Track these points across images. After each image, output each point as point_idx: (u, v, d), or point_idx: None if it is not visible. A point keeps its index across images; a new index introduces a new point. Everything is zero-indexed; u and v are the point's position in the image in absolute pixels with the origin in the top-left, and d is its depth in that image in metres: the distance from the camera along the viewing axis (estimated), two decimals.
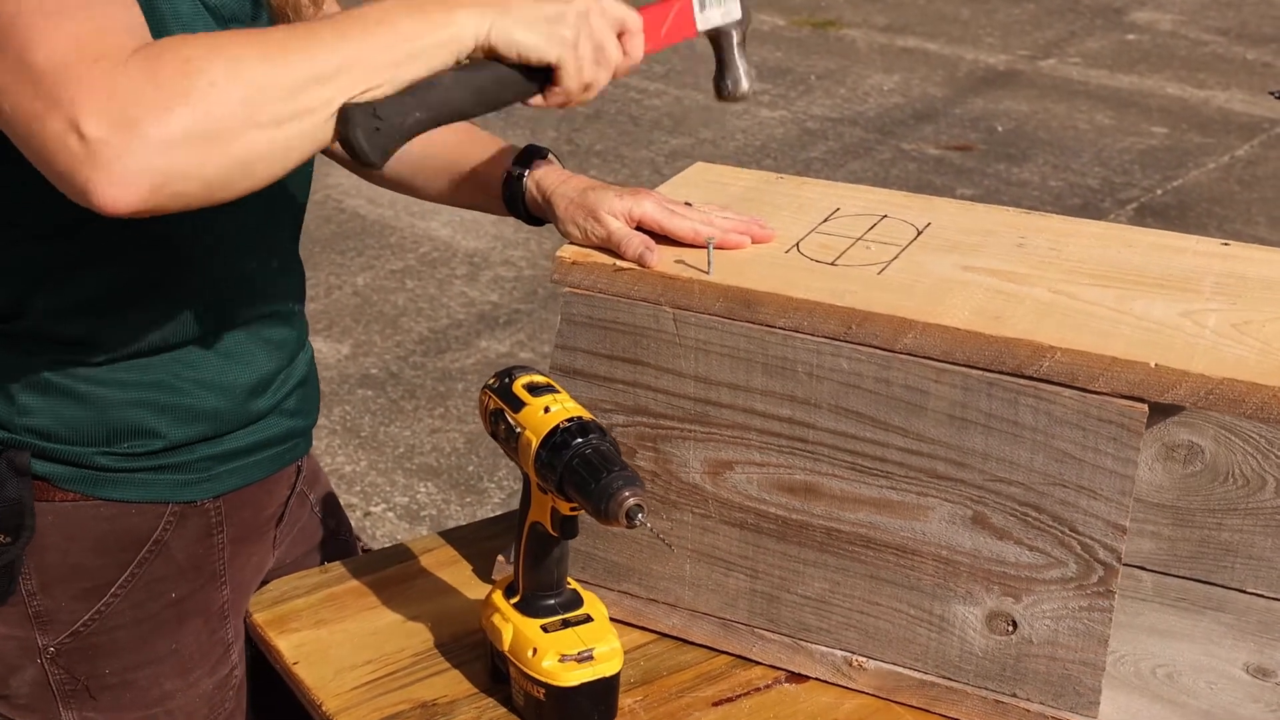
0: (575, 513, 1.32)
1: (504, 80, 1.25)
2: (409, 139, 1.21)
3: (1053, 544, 1.28)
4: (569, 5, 1.26)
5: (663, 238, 1.45)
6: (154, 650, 1.55)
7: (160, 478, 1.51)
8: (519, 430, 1.34)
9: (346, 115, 1.17)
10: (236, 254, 1.48)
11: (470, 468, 3.83)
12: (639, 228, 1.46)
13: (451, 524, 3.58)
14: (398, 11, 1.21)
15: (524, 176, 1.59)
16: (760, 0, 8.30)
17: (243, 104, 1.12)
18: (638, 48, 1.32)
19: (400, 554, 1.64)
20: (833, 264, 1.41)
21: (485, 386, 1.39)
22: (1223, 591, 1.49)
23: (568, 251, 1.45)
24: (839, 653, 1.39)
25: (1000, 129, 6.37)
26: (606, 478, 1.25)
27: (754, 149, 6.08)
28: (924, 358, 1.30)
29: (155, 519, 1.51)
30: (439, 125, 1.24)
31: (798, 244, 1.45)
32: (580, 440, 1.29)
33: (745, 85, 1.40)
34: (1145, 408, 1.24)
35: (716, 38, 1.40)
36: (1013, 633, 1.31)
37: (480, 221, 5.17)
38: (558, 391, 1.36)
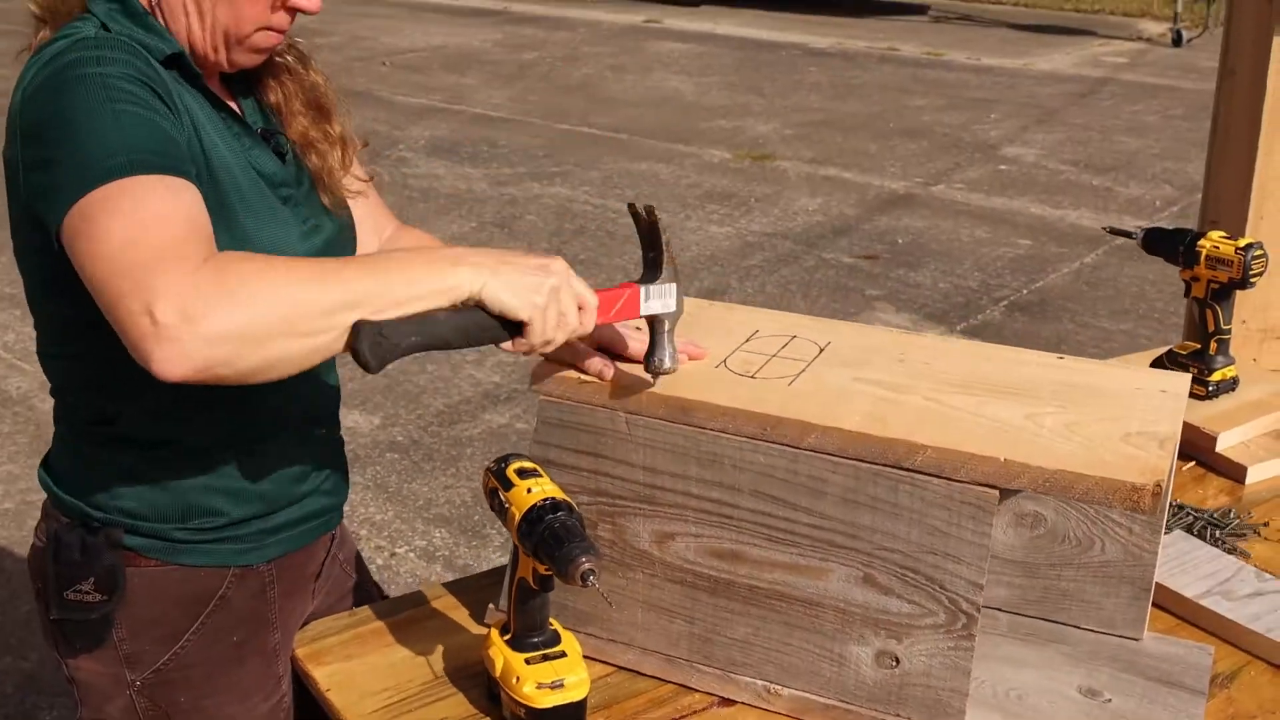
0: (549, 572, 1.34)
1: (484, 326, 1.28)
2: (404, 356, 1.24)
3: (926, 598, 1.29)
4: (545, 279, 1.29)
5: (619, 355, 1.47)
6: (220, 683, 1.56)
7: (223, 547, 1.53)
8: (508, 506, 1.36)
9: (358, 330, 1.21)
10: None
11: (476, 517, 3.82)
12: (600, 348, 1.48)
13: (461, 563, 3.57)
14: (415, 261, 1.27)
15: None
16: (712, 138, 8.36)
17: (282, 318, 1.18)
18: (590, 321, 1.34)
19: (413, 600, 1.64)
20: (752, 377, 1.42)
21: (486, 468, 1.41)
22: (1061, 628, 1.51)
23: (543, 367, 1.47)
24: (760, 682, 1.39)
25: (900, 241, 6.39)
26: (567, 547, 1.27)
27: (705, 258, 6.09)
28: (824, 453, 1.31)
29: (220, 580, 1.53)
30: (429, 350, 1.27)
31: (725, 360, 1.46)
32: (551, 516, 1.31)
33: (668, 364, 1.39)
34: (996, 493, 1.26)
35: (653, 322, 1.41)
36: (896, 667, 1.32)
37: None
38: (540, 476, 1.37)
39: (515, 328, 1.29)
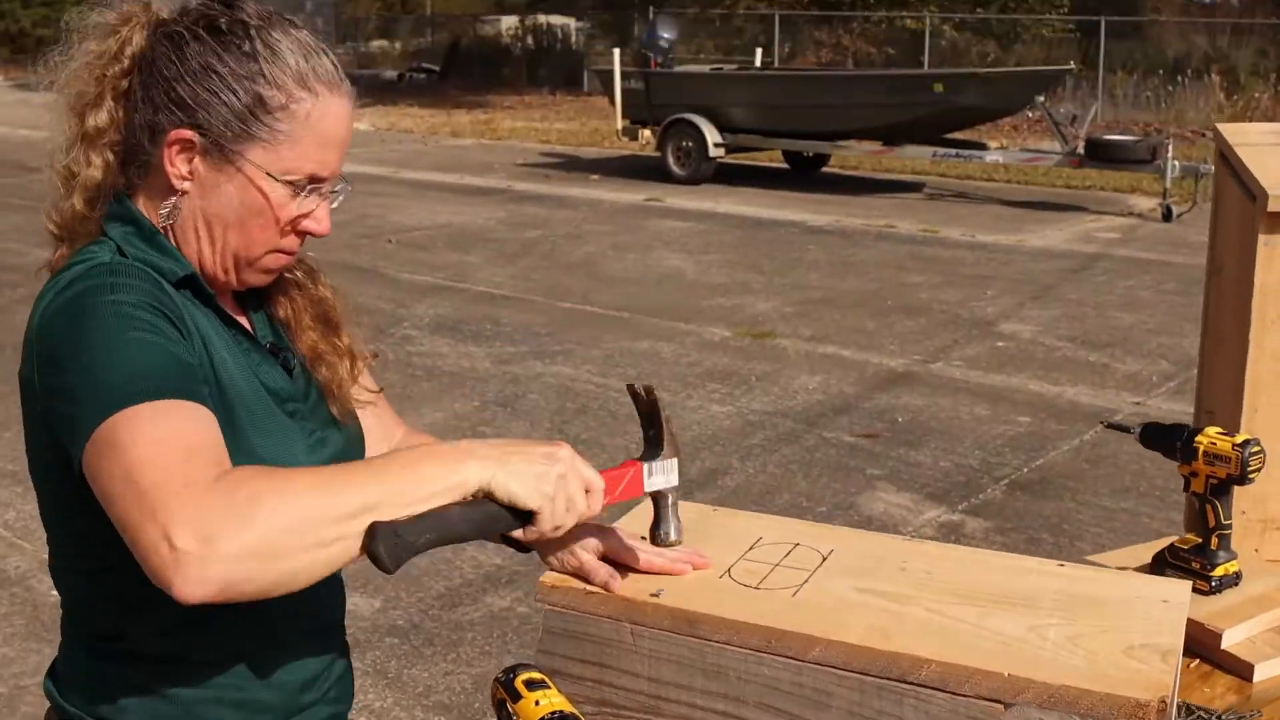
0: None
1: (495, 517, 1.31)
2: (419, 554, 1.26)
3: None
4: (552, 467, 1.31)
5: (624, 566, 1.49)
6: None
7: None
8: (515, 718, 1.36)
9: (374, 532, 1.23)
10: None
11: (476, 705, 3.76)
12: (604, 558, 1.50)
13: None
14: (422, 459, 1.29)
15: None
16: (713, 316, 8.47)
17: (296, 531, 1.21)
18: (598, 503, 1.36)
19: None
20: (756, 587, 1.43)
21: (495, 679, 1.42)
22: None
23: (549, 578, 1.48)
24: None
25: (900, 419, 6.42)
26: None
27: (706, 437, 6.12)
28: (829, 666, 1.32)
29: None
30: (444, 545, 1.29)
31: (729, 570, 1.48)
32: None
33: (674, 536, 1.45)
34: (1001, 707, 1.26)
35: (656, 497, 1.46)
36: None
37: None
38: (549, 688, 1.38)
39: (526, 515, 1.31)
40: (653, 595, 1.41)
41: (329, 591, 1.60)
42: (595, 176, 15.87)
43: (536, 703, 1.36)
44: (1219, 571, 2.07)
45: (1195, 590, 2.01)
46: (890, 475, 5.63)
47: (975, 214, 13.02)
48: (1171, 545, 2.16)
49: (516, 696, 1.38)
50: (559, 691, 1.38)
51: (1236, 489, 2.10)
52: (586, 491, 1.34)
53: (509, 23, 34.36)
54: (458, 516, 1.28)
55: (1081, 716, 1.26)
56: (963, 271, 10.04)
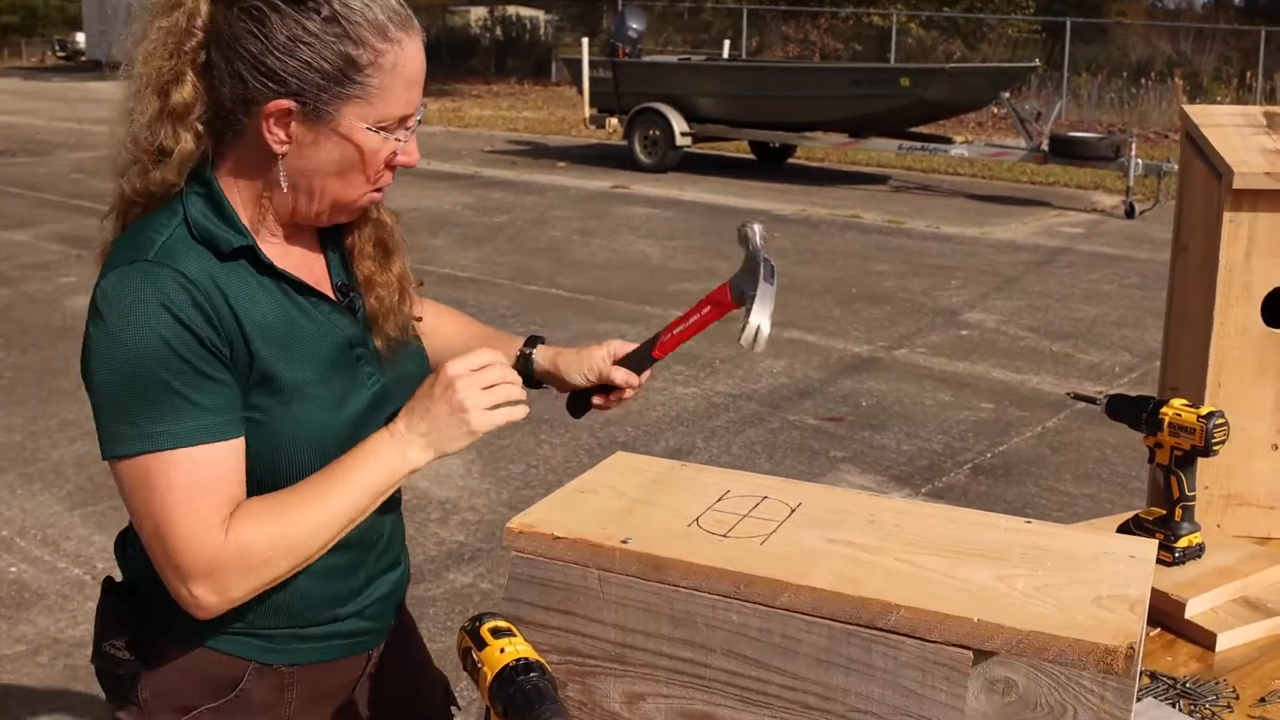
0: None
1: None
2: None
3: None
4: (457, 411, 1.51)
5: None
6: None
7: (249, 642, 1.61)
8: (480, 665, 1.34)
9: None
10: None
11: None
12: (617, 362, 1.85)
13: None
14: (376, 473, 1.51)
15: (531, 355, 1.87)
16: (678, 301, 8.44)
17: (292, 566, 1.49)
18: (499, 375, 1.55)
19: None
20: (724, 536, 1.42)
21: (461, 628, 1.40)
22: None
23: (515, 524, 1.47)
24: None
25: (864, 404, 6.44)
26: (538, 710, 1.25)
27: (670, 418, 6.12)
28: (798, 612, 1.31)
29: (240, 670, 1.61)
30: None
31: (697, 519, 1.46)
32: (523, 678, 1.29)
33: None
34: (970, 654, 1.25)
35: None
36: None
37: (451, 474, 5.17)
38: (514, 635, 1.36)
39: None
40: (622, 542, 1.40)
41: (384, 517, 1.70)
42: (562, 164, 15.84)
43: (502, 650, 1.34)
44: (1183, 543, 2.08)
45: (1159, 561, 2.02)
46: (854, 457, 5.64)
47: (940, 206, 13.07)
48: (1136, 516, 2.16)
49: (482, 644, 1.36)
50: (525, 639, 1.36)
51: (1200, 462, 2.11)
52: (490, 387, 1.52)
53: (479, 13, 34.27)
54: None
55: (1050, 663, 1.26)
56: (927, 262, 10.07)
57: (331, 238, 1.65)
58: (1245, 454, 2.33)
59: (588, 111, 16.60)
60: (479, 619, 1.39)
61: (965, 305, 8.59)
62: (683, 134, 15.04)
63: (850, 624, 1.29)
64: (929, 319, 8.20)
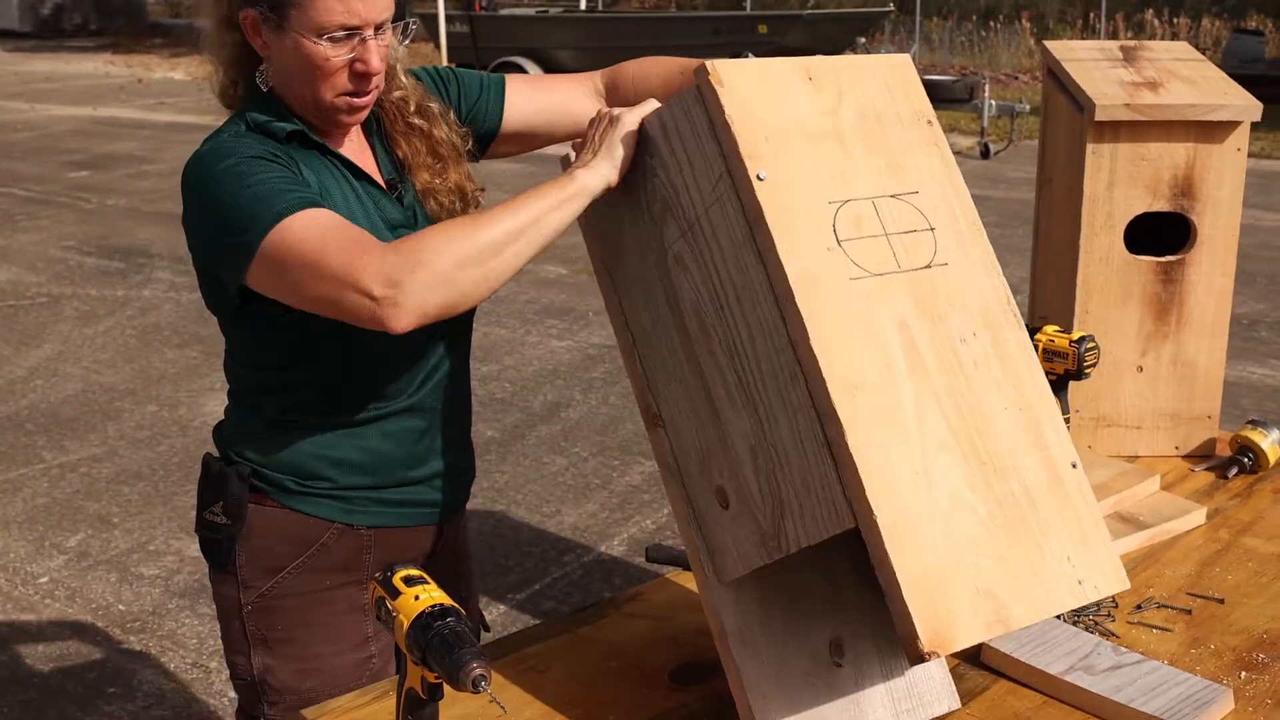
0: (439, 681, 1.33)
1: None
2: None
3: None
4: (606, 150, 1.60)
5: None
6: (311, 617, 1.83)
7: (330, 504, 1.82)
8: (395, 614, 1.36)
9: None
10: (395, 374, 1.81)
11: None
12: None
13: None
14: (548, 191, 1.59)
15: None
16: (548, 255, 8.42)
17: (455, 263, 1.53)
18: (629, 118, 1.61)
19: None
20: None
21: (373, 578, 1.41)
22: None
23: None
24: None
25: None
26: (457, 653, 1.28)
27: (548, 372, 6.12)
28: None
29: (322, 530, 1.82)
30: None
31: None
32: (440, 623, 1.32)
33: None
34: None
35: None
36: None
37: None
38: (427, 583, 1.38)
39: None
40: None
41: (451, 395, 1.89)
42: None
43: (416, 597, 1.35)
44: None
45: None
46: None
47: None
48: None
49: (396, 593, 1.37)
50: (439, 588, 1.38)
51: (1071, 386, 2.20)
52: (617, 124, 1.60)
53: None
54: None
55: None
56: None
57: (379, 143, 1.84)
58: (1112, 377, 2.44)
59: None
60: (390, 568, 1.41)
61: None
62: None
63: None
64: None
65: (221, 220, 1.62)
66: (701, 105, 1.44)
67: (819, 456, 1.33)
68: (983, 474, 1.37)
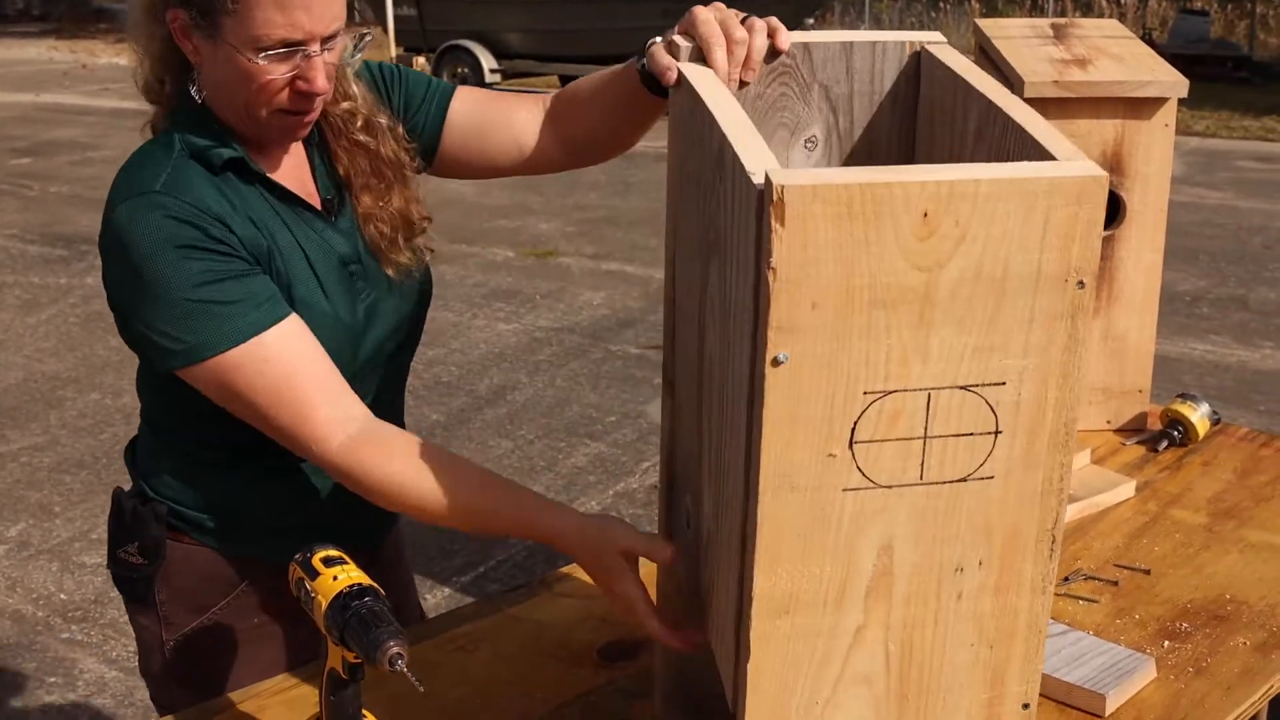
0: (359, 661, 1.33)
1: None
2: None
3: None
4: (622, 576, 1.43)
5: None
6: (241, 655, 1.73)
7: (256, 545, 1.71)
8: (314, 595, 1.35)
9: None
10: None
11: None
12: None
13: None
14: (536, 518, 1.48)
15: (642, 57, 1.61)
16: (495, 238, 8.43)
17: (402, 500, 1.50)
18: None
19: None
20: None
21: (292, 559, 1.41)
22: None
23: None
24: None
25: None
26: (375, 632, 1.28)
27: (494, 355, 6.12)
28: None
29: (250, 569, 1.72)
30: None
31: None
32: (357, 602, 1.32)
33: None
34: None
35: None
36: None
37: None
38: (346, 563, 1.37)
39: None
40: None
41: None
42: None
43: (335, 578, 1.35)
44: None
45: None
46: None
47: None
48: None
49: (314, 574, 1.37)
50: (357, 568, 1.37)
51: None
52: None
53: None
54: None
55: None
56: None
57: (319, 158, 1.67)
58: None
59: (394, 51, 16.27)
60: (309, 550, 1.40)
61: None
62: (491, 70, 14.90)
63: None
64: None
65: (156, 312, 1.47)
66: (755, 201, 1.03)
67: (740, 622, 1.16)
68: (899, 710, 1.19)
